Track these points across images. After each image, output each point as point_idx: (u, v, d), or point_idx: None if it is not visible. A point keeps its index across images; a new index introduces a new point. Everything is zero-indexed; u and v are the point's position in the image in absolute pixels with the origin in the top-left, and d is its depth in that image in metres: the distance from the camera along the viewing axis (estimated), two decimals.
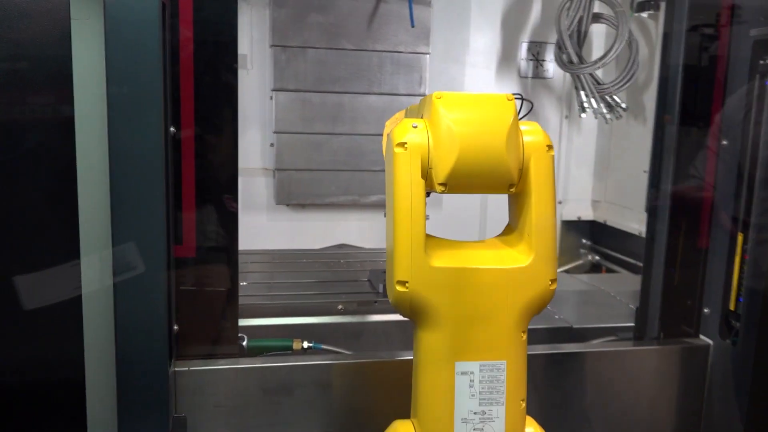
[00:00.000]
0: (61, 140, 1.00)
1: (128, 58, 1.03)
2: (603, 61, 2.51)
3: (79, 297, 1.04)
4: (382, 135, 2.68)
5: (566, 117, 2.96)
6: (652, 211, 1.49)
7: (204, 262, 1.25)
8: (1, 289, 1.01)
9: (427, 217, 0.99)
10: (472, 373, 0.99)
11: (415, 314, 1.00)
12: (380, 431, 1.09)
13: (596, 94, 2.61)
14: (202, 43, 1.17)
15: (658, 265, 1.48)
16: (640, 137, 2.74)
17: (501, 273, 0.99)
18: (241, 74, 2.64)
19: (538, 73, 2.90)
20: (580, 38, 2.63)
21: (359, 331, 1.58)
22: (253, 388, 1.25)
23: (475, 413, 0.99)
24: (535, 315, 1.03)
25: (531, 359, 1.36)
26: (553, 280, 1.00)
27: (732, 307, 1.39)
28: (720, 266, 1.42)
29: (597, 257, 2.98)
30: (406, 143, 0.96)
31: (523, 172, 0.99)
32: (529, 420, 1.08)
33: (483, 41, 2.84)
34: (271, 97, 2.59)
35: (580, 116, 2.72)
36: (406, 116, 1.22)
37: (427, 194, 1.00)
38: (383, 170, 1.49)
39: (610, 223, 2.92)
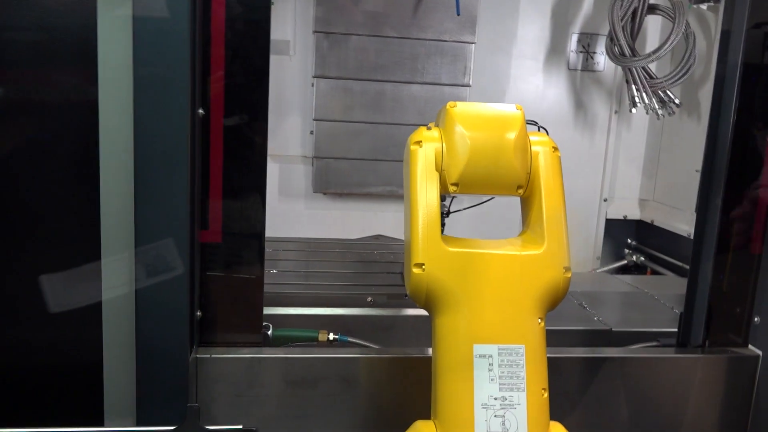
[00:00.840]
0: (84, 120, 0.99)
1: (156, 36, 1.01)
2: (657, 55, 2.40)
3: (99, 279, 1.03)
4: (423, 125, 2.63)
5: (616, 112, 2.85)
6: (701, 211, 1.40)
7: (230, 248, 1.22)
8: (20, 272, 1.01)
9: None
10: (490, 356, 0.99)
11: (432, 299, 1.01)
12: (404, 428, 1.05)
13: (648, 89, 2.51)
14: (234, 21, 1.14)
15: (706, 268, 1.39)
16: (693, 135, 2.63)
17: (515, 258, 1.02)
18: (284, 60, 2.63)
19: (587, 66, 2.80)
20: (634, 30, 2.53)
21: (388, 325, 1.54)
22: (275, 379, 1.22)
23: (495, 399, 0.98)
24: (552, 305, 1.04)
25: (566, 362, 1.32)
26: (567, 268, 1.03)
27: None
28: None
29: (642, 258, 2.88)
30: (421, 141, 1.06)
31: (531, 174, 1.06)
32: (557, 426, 1.03)
33: (531, 31, 2.75)
34: (312, 84, 2.57)
35: (630, 111, 2.62)
36: None
37: (442, 198, 1.08)
38: None
39: (657, 223, 2.81)
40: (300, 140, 2.69)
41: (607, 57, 2.70)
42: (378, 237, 2.63)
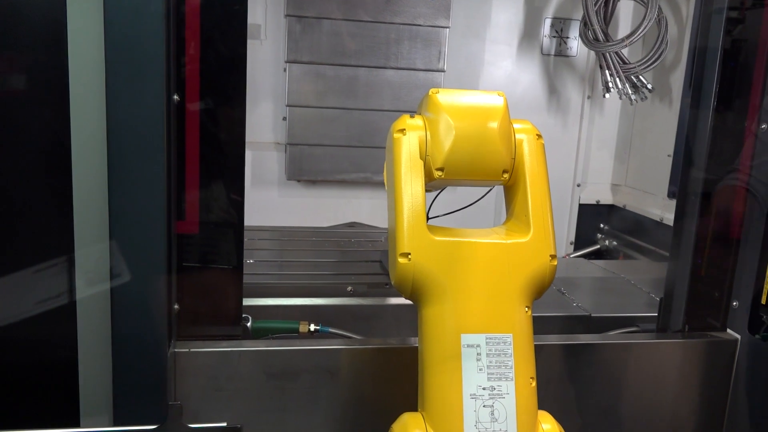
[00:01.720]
0: (55, 107, 0.94)
1: (129, 17, 0.96)
2: (631, 40, 2.41)
3: (72, 273, 0.99)
4: (398, 111, 2.60)
5: (588, 97, 2.86)
6: (681, 196, 1.41)
7: (207, 239, 1.19)
8: None
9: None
10: (478, 345, 0.98)
11: (418, 289, 1.00)
12: (389, 421, 1.03)
13: (621, 74, 2.52)
14: (209, 3, 1.10)
15: (686, 254, 1.40)
16: (664, 120, 2.65)
17: (501, 247, 1.01)
18: (255, 45, 2.57)
19: (561, 51, 2.80)
20: (607, 15, 2.53)
21: (369, 315, 1.52)
22: (255, 372, 1.19)
23: (484, 389, 0.97)
24: (539, 293, 1.04)
25: (547, 349, 1.31)
26: (552, 256, 1.03)
27: (764, 301, 1.32)
28: (752, 257, 1.34)
29: (614, 242, 2.90)
30: (404, 129, 1.03)
31: (515, 161, 1.04)
32: (546, 415, 1.02)
33: (505, 16, 2.74)
34: (285, 69, 2.52)
35: (603, 96, 2.63)
36: None
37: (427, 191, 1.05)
38: None
39: (629, 207, 2.83)
40: (272, 126, 2.64)
41: (580, 42, 2.70)
42: (353, 224, 2.61)
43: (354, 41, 2.51)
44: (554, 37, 2.79)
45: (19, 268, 0.98)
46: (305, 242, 1.97)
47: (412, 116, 1.06)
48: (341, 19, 2.47)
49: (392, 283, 1.03)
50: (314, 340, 1.31)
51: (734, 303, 1.38)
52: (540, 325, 1.54)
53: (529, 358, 1.00)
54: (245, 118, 1.16)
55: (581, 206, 2.94)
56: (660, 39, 2.45)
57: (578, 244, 2.97)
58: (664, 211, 2.58)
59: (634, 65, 2.50)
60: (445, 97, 1.04)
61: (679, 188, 1.41)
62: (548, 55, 2.80)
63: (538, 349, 1.28)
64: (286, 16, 2.46)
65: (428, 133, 1.03)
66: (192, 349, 1.17)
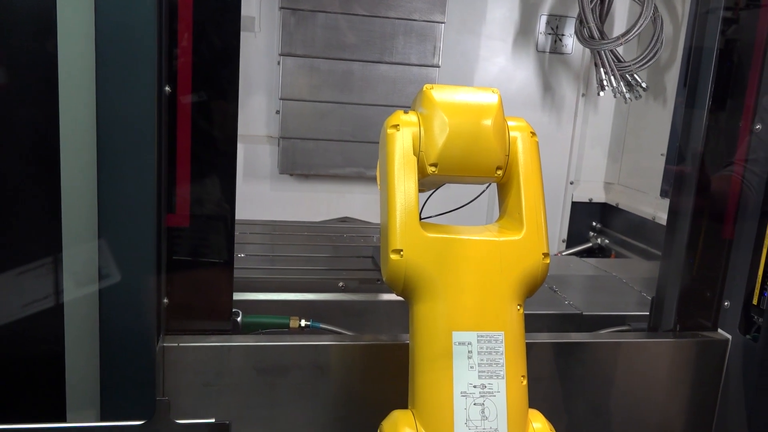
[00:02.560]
0: (43, 98, 0.92)
1: (121, 6, 0.94)
2: (626, 38, 2.41)
3: (59, 265, 0.97)
4: (392, 106, 2.59)
5: (583, 95, 2.86)
6: (674, 196, 1.41)
7: (198, 232, 1.17)
8: None
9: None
10: (469, 343, 0.97)
11: (410, 286, 0.99)
12: (379, 418, 1.03)
13: (616, 72, 2.51)
14: None
15: (679, 253, 1.40)
16: (658, 119, 2.65)
17: (494, 244, 1.00)
18: (248, 37, 2.55)
19: (556, 48, 2.79)
20: (603, 13, 2.52)
21: (360, 311, 1.51)
22: (245, 367, 1.18)
23: (474, 386, 0.96)
24: (531, 291, 1.03)
25: (538, 347, 1.31)
26: (545, 254, 1.02)
27: (755, 301, 1.32)
28: (745, 258, 1.34)
29: (606, 241, 2.90)
30: (398, 125, 1.02)
31: (509, 159, 1.04)
32: (536, 414, 1.02)
33: (500, 12, 2.73)
34: (279, 62, 2.50)
35: (598, 94, 2.63)
36: None
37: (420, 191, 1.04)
38: None
39: (622, 206, 2.83)
40: (265, 120, 2.63)
41: (575, 40, 2.70)
42: (345, 219, 2.60)
43: (349, 35, 2.49)
44: (549, 34, 2.78)
45: (7, 262, 0.97)
46: (297, 237, 1.96)
47: (406, 112, 1.05)
48: (336, 13, 2.46)
49: (384, 279, 1.02)
50: (305, 336, 1.30)
51: (726, 303, 1.38)
52: (531, 323, 1.53)
53: (521, 356, 1.00)
54: (238, 111, 1.15)
55: (574, 204, 2.94)
56: (655, 38, 2.44)
57: (570, 242, 2.97)
58: (657, 210, 2.58)
59: (629, 63, 2.50)
60: (439, 93, 1.03)
61: (672, 188, 1.41)
62: (543, 52, 2.80)
63: (529, 348, 1.27)
64: (281, 8, 2.44)
65: (422, 128, 1.02)
66: (181, 344, 1.16)
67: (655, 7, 2.40)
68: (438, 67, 2.58)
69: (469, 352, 0.97)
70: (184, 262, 1.18)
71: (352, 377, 1.22)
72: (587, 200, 2.93)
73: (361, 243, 1.92)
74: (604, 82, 2.53)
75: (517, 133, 1.06)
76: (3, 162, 0.96)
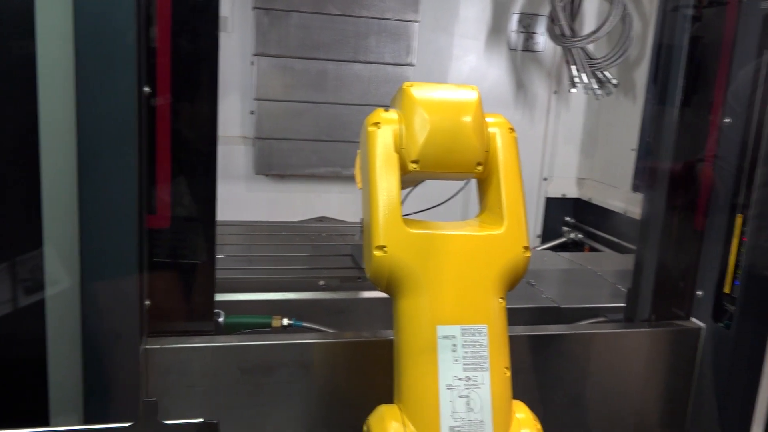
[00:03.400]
0: (22, 99, 0.91)
1: (100, 7, 0.94)
2: (597, 35, 2.45)
3: (41, 267, 0.96)
4: (367, 105, 2.60)
5: (555, 92, 2.90)
6: (647, 190, 1.44)
7: (179, 234, 1.17)
8: None
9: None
10: (454, 337, 0.98)
11: (394, 282, 1.00)
12: (365, 414, 1.03)
13: (588, 69, 2.56)
14: None
15: (653, 246, 1.43)
16: (628, 115, 2.70)
17: (476, 239, 1.02)
18: (221, 37, 2.53)
19: (528, 46, 2.83)
20: (573, 11, 2.57)
21: (341, 309, 1.51)
22: (229, 367, 1.18)
23: (459, 379, 0.97)
24: (513, 285, 1.05)
25: (517, 340, 1.33)
26: (526, 248, 1.04)
27: (727, 290, 1.35)
28: (716, 248, 1.37)
29: (580, 235, 2.95)
30: (379, 122, 1.03)
31: (489, 154, 1.05)
32: (520, 404, 1.03)
33: (473, 11, 2.76)
34: (253, 63, 2.49)
35: (569, 91, 2.67)
36: None
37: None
38: None
39: (594, 201, 2.89)
40: (240, 120, 2.62)
41: (546, 38, 2.74)
42: (322, 219, 2.59)
43: (323, 34, 2.50)
44: (521, 32, 2.82)
45: None
46: (275, 237, 1.95)
47: (386, 110, 1.06)
48: (310, 12, 2.46)
49: (368, 275, 1.03)
50: (288, 335, 1.31)
51: (699, 293, 1.42)
52: (510, 317, 1.55)
53: (504, 348, 1.01)
54: (217, 111, 1.15)
55: (548, 200, 2.98)
56: (624, 35, 2.49)
57: (545, 237, 3.01)
58: (628, 204, 2.63)
59: (599, 61, 2.55)
60: (419, 91, 1.04)
61: (645, 183, 1.44)
62: (515, 50, 2.83)
63: (509, 340, 1.29)
64: (254, 8, 2.43)
65: (403, 126, 1.03)
66: (164, 346, 1.15)
67: (624, 6, 2.45)
68: (413, 65, 2.60)
69: (453, 345, 0.98)
70: (165, 263, 1.17)
71: (336, 374, 1.23)
72: (560, 196, 2.98)
73: (339, 242, 1.93)
74: (576, 79, 2.58)
75: (496, 129, 1.07)
76: None
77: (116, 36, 0.96)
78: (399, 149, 1.03)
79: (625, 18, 2.47)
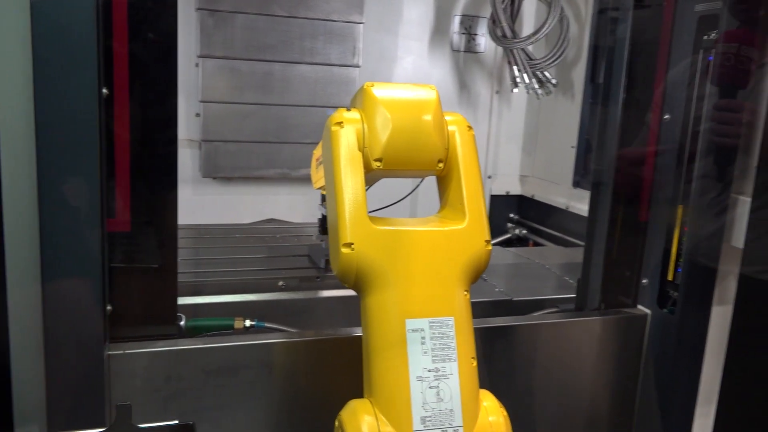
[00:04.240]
0: None
1: (57, 8, 0.92)
2: (536, 36, 2.53)
3: (2, 273, 0.94)
4: (315, 107, 2.61)
5: (497, 92, 2.97)
6: (594, 187, 1.50)
7: (140, 237, 1.15)
8: None
9: None
10: (422, 330, 1.00)
11: (362, 278, 1.01)
12: (332, 410, 1.05)
13: (528, 70, 2.64)
14: None
15: (600, 239, 1.49)
16: (568, 113, 2.80)
17: (440, 234, 1.04)
18: None
19: (470, 47, 2.90)
20: (514, 13, 2.64)
21: (302, 309, 1.52)
22: (194, 370, 1.17)
23: (429, 371, 0.99)
24: (476, 277, 1.08)
25: (477, 333, 1.37)
26: (487, 241, 1.07)
27: (670, 277, 1.43)
28: (659, 238, 1.45)
29: (524, 231, 3.03)
30: (342, 122, 1.05)
31: (449, 152, 1.08)
32: (486, 393, 1.07)
33: (416, 12, 2.80)
34: (197, 65, 2.46)
35: (512, 91, 2.75)
36: None
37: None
38: (314, 143, 1.46)
39: (537, 197, 2.97)
40: (185, 123, 2.58)
41: (488, 39, 2.81)
42: (271, 221, 2.58)
43: (269, 36, 2.49)
44: (463, 33, 2.88)
45: None
46: (228, 239, 1.94)
47: (348, 110, 1.08)
48: (255, 14, 2.45)
49: (335, 273, 1.04)
50: (252, 335, 1.31)
51: (644, 281, 1.49)
52: None
53: (470, 338, 1.04)
54: (177, 111, 1.14)
55: (492, 197, 3.05)
56: (563, 36, 2.58)
57: (491, 234, 3.08)
58: (570, 200, 2.72)
59: (539, 61, 2.63)
60: (380, 91, 1.06)
61: (592, 180, 1.50)
62: (458, 51, 2.89)
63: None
64: (198, 9, 2.40)
65: (365, 125, 1.05)
66: (127, 351, 1.13)
67: (562, 8, 2.54)
68: (358, 66, 2.62)
69: (422, 338, 1.01)
70: (126, 267, 1.16)
71: (301, 373, 1.24)
72: (504, 193, 3.06)
73: (294, 242, 1.93)
74: (517, 79, 2.65)
75: (455, 126, 1.11)
76: None
77: (75, 38, 0.95)
78: (362, 148, 1.05)
79: (562, 20, 2.56)
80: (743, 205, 1.28)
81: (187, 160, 2.58)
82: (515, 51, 2.61)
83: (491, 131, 2.99)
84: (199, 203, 2.62)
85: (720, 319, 1.35)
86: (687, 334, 1.40)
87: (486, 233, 1.08)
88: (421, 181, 1.24)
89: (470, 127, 1.12)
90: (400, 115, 1.05)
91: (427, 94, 1.08)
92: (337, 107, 1.09)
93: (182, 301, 1.40)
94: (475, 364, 1.04)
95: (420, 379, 1.00)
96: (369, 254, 1.01)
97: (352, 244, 1.01)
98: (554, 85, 2.69)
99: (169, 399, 1.16)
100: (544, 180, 2.97)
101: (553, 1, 2.51)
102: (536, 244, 2.92)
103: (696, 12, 1.33)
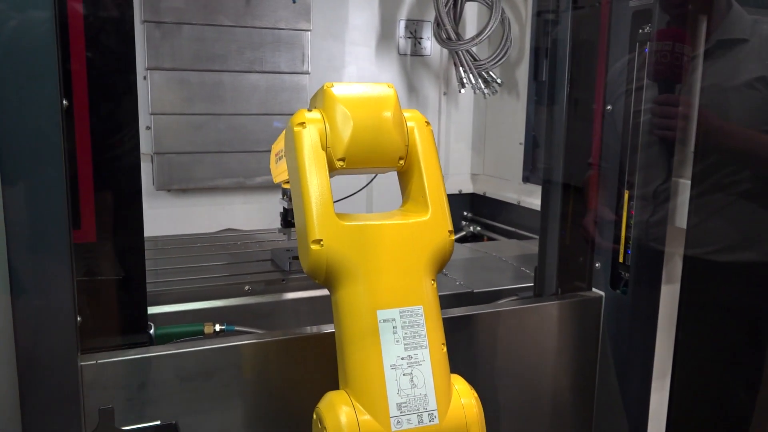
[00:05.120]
0: None
1: (17, 20, 0.93)
2: (480, 38, 2.61)
3: None
4: (267, 115, 2.62)
5: (444, 94, 3.04)
6: (546, 181, 1.57)
7: (106, 247, 1.16)
8: None
9: None
10: (393, 319, 1.04)
11: (332, 274, 1.04)
12: (308, 406, 1.07)
13: (474, 70, 2.71)
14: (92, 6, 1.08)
15: (553, 230, 1.56)
16: (513, 111, 2.88)
17: (406, 226, 1.08)
18: None
19: (416, 51, 2.96)
20: (456, 16, 2.71)
21: (269, 311, 1.54)
22: (167, 376, 1.18)
23: (402, 358, 1.03)
24: (441, 266, 1.12)
25: (444, 322, 1.41)
26: (450, 231, 1.11)
27: (621, 259, 1.51)
28: (609, 224, 1.53)
29: (478, 228, 3.11)
30: (304, 122, 1.07)
31: (409, 148, 1.12)
32: (457, 377, 1.11)
33: (362, 18, 2.84)
34: (145, 77, 2.45)
35: (459, 92, 2.82)
36: None
37: None
38: (268, 151, 1.49)
39: (489, 194, 3.05)
40: None
41: (433, 42, 2.88)
42: (228, 230, 2.58)
43: (217, 46, 2.49)
44: (409, 38, 2.94)
45: None
46: (189, 249, 1.94)
47: (310, 110, 1.10)
48: (202, 24, 2.45)
49: (305, 270, 1.07)
50: (224, 339, 1.32)
51: (597, 264, 1.57)
52: None
53: (439, 326, 1.08)
54: (138, 121, 1.15)
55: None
56: (504, 37, 2.67)
57: None
58: (521, 195, 2.81)
59: (484, 62, 2.71)
60: (339, 90, 1.09)
61: (543, 177, 1.57)
62: (405, 55, 2.95)
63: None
64: (144, 21, 2.39)
65: (327, 125, 1.08)
66: (99, 361, 1.13)
67: (503, 10, 2.63)
68: (308, 73, 2.64)
69: (393, 327, 1.04)
70: (94, 278, 1.16)
71: (273, 371, 1.26)
72: (457, 192, 3.12)
73: (256, 248, 1.94)
74: (464, 80, 2.73)
75: (413, 123, 1.15)
76: None
77: (36, 50, 0.95)
78: (325, 148, 1.08)
79: (504, 21, 2.64)
80: (684, 189, 1.37)
81: None
82: (460, 53, 2.68)
83: (441, 131, 3.06)
84: (155, 216, 2.58)
85: (669, 296, 1.44)
86: (639, 312, 1.47)
87: (449, 224, 1.12)
88: (374, 177, 1.27)
89: (428, 123, 1.16)
90: (361, 114, 1.08)
91: (386, 91, 1.12)
92: (289, 115, 1.12)
93: (150, 310, 1.40)
94: (445, 350, 1.08)
95: (394, 367, 1.03)
96: (338, 249, 1.04)
97: (321, 240, 1.03)
98: (499, 85, 2.78)
99: (143, 406, 1.17)
100: (494, 177, 3.05)
101: (494, 3, 2.59)
102: (490, 239, 3.00)
103: (630, 8, 1.41)
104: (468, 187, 3.15)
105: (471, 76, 2.70)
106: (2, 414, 1.00)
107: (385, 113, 1.09)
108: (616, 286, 1.53)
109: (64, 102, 1.07)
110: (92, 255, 1.15)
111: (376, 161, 1.11)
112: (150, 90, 2.44)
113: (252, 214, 2.71)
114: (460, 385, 1.09)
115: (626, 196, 1.48)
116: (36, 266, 1.01)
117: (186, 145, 2.53)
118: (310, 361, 1.28)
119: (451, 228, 1.12)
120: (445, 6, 2.63)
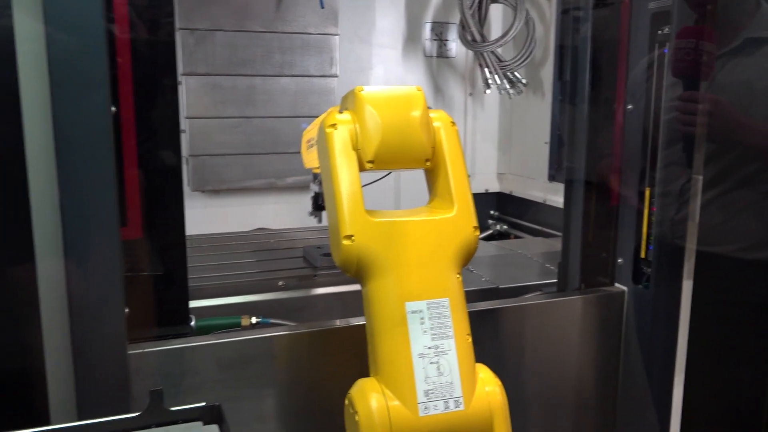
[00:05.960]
0: (7, 123, 0.97)
1: (70, 35, 1.00)
2: (505, 39, 2.65)
3: (35, 285, 1.01)
4: (297, 117, 2.69)
5: (470, 94, 3.09)
6: (569, 178, 1.61)
7: (151, 243, 1.24)
8: None
9: None
10: (421, 311, 1.09)
11: (362, 267, 1.09)
12: (339, 394, 1.13)
13: (499, 71, 2.75)
14: (138, 15, 1.15)
15: (576, 226, 1.60)
16: (539, 111, 2.92)
17: (432, 222, 1.13)
18: None
19: (442, 53, 3.01)
20: (481, 17, 2.76)
21: (302, 305, 1.61)
22: (208, 365, 1.25)
23: (429, 348, 1.08)
24: (466, 261, 1.16)
25: (471, 316, 1.46)
26: (475, 227, 1.15)
27: (643, 255, 1.54)
28: (631, 220, 1.56)
29: (505, 226, 3.15)
30: (335, 124, 1.12)
31: (435, 147, 1.16)
32: (482, 367, 1.16)
33: (388, 22, 2.91)
34: (181, 82, 2.54)
35: (485, 92, 2.86)
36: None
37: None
38: (299, 152, 1.54)
39: (515, 193, 3.09)
40: None
41: (458, 44, 2.92)
42: (261, 230, 2.66)
43: (248, 51, 2.58)
44: (435, 40, 3.00)
45: None
46: (226, 247, 2.02)
47: (341, 112, 1.16)
48: (234, 31, 2.53)
49: (337, 264, 1.12)
50: (260, 330, 1.39)
51: (619, 260, 1.60)
52: None
53: (464, 317, 1.13)
54: (179, 123, 1.23)
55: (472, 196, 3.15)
56: (529, 38, 2.71)
57: None
58: (546, 193, 2.84)
59: (509, 63, 2.75)
60: (370, 94, 1.14)
61: (565, 169, 1.61)
62: (431, 57, 3.00)
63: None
64: (179, 29, 2.48)
65: (357, 126, 1.13)
66: (146, 350, 1.21)
67: (527, 11, 2.67)
68: (336, 77, 2.71)
69: (421, 318, 1.09)
70: (140, 273, 1.23)
71: (307, 361, 1.32)
72: (484, 191, 3.17)
73: (288, 246, 2.01)
74: (489, 81, 2.77)
75: (439, 123, 1.20)
76: None
77: (87, 61, 1.03)
78: (355, 148, 1.14)
79: (528, 22, 2.68)
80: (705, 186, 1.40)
81: None
82: (485, 54, 2.73)
83: (467, 132, 3.10)
84: (190, 216, 2.66)
85: (690, 291, 1.47)
86: (661, 307, 1.51)
87: (474, 220, 1.17)
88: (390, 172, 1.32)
89: (453, 123, 1.21)
90: (390, 118, 1.12)
91: (414, 94, 1.16)
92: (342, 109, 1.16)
93: (191, 304, 1.47)
94: (470, 340, 1.13)
95: (421, 356, 1.08)
96: (368, 244, 1.09)
97: (352, 236, 1.08)
98: (524, 85, 2.81)
99: (186, 393, 1.24)
100: (520, 176, 3.08)
101: (519, 4, 2.63)
102: (517, 237, 3.03)
103: (650, 9, 1.45)
104: (494, 186, 3.19)
105: (496, 76, 2.74)
106: (59, 396, 1.08)
107: (412, 116, 1.13)
108: (639, 281, 1.56)
109: (113, 108, 1.15)
110: (137, 251, 1.23)
111: (403, 162, 1.15)
112: (185, 94, 2.53)
113: (283, 214, 2.78)
114: (484, 374, 1.14)
115: (647, 192, 1.51)
116: (88, 262, 1.08)
117: (219, 147, 2.62)
118: (341, 351, 1.34)
119: (476, 224, 1.17)
120: (470, 8, 2.68)
